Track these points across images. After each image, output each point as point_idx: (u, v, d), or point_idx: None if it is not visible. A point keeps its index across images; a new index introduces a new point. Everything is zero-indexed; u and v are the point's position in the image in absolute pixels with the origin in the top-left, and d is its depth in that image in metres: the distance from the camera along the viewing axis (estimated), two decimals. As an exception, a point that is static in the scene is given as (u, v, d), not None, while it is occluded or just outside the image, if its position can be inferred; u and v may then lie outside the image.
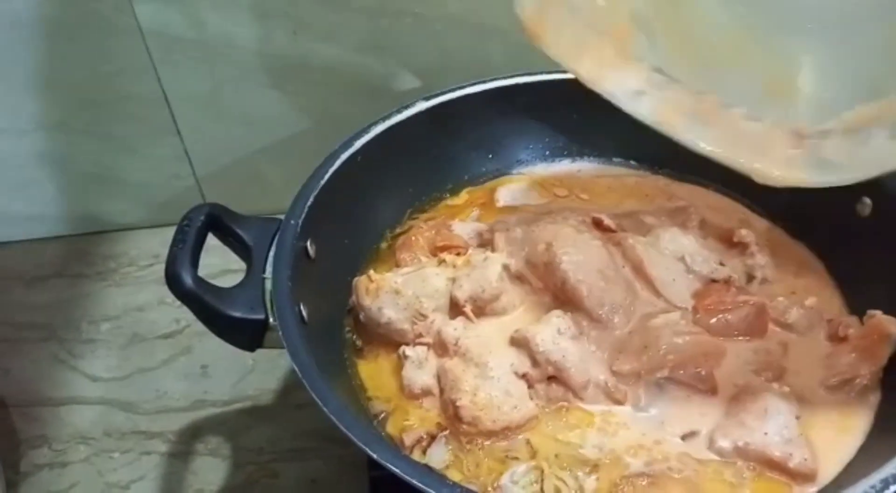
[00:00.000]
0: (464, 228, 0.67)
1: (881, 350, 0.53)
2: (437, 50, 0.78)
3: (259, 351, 0.58)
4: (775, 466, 0.49)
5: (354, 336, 0.61)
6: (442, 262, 0.62)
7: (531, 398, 0.54)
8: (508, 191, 0.73)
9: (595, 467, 0.50)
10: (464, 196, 0.73)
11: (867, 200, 0.60)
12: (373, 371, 0.59)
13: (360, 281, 0.59)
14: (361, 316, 0.59)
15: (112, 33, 0.73)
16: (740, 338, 0.56)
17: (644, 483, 0.48)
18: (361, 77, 0.79)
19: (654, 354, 0.53)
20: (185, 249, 0.53)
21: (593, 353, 0.54)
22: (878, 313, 0.55)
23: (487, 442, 0.53)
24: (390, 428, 0.54)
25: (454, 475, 0.51)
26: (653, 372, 0.53)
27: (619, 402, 0.53)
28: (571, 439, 0.52)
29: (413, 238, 0.66)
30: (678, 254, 0.59)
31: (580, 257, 0.56)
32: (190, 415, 0.73)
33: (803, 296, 0.60)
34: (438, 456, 0.52)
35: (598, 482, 0.49)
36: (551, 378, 0.54)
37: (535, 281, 0.58)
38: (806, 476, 0.49)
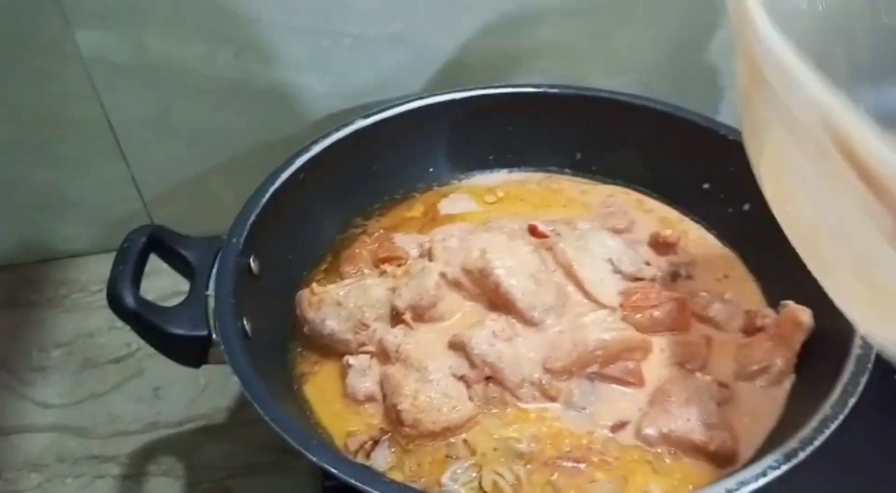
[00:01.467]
0: (405, 240, 0.69)
1: (794, 337, 0.57)
2: (377, 69, 0.80)
3: (211, 371, 0.59)
4: (698, 449, 0.52)
5: (300, 349, 0.62)
6: (383, 273, 0.64)
7: (470, 399, 0.56)
8: (450, 202, 0.76)
9: (530, 459, 0.53)
10: (419, 207, 0.76)
11: (780, 198, 0.64)
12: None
13: (303, 294, 0.61)
14: (305, 329, 0.61)
15: (53, 59, 0.74)
16: (666, 333, 0.60)
17: (572, 470, 0.51)
18: (304, 96, 0.81)
19: (583, 350, 0.56)
20: (127, 269, 0.54)
21: (527, 353, 0.57)
22: (791, 302, 0.58)
23: (430, 443, 0.55)
24: (335, 433, 0.56)
25: (397, 477, 0.53)
26: (584, 368, 0.56)
27: (553, 398, 0.56)
28: (509, 434, 0.55)
29: (357, 251, 0.68)
30: (606, 256, 0.62)
31: (512, 262, 0.59)
32: (143, 437, 0.73)
33: (724, 291, 0.63)
34: (381, 459, 0.54)
35: (531, 473, 0.51)
36: (488, 379, 0.56)
37: (472, 287, 0.60)
38: (727, 458, 0.52)
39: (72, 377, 0.79)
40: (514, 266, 0.59)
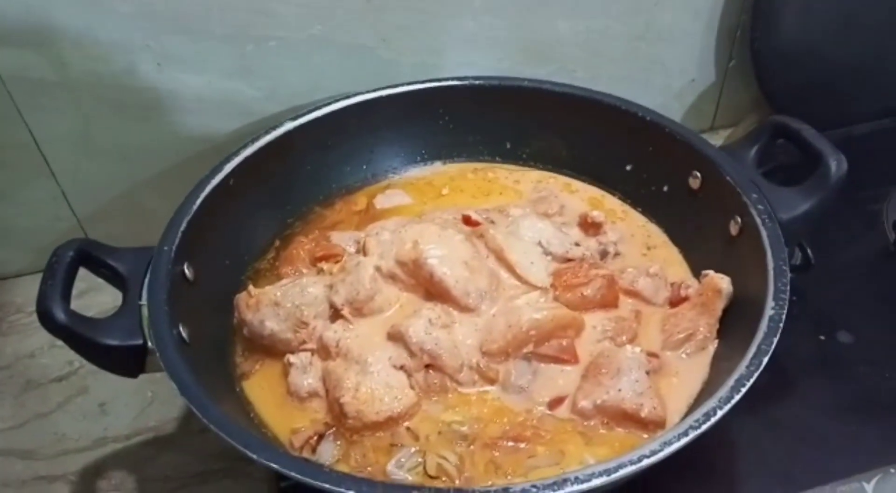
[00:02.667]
0: (341, 238, 0.70)
1: (715, 304, 0.60)
2: (305, 70, 0.80)
3: (158, 382, 0.59)
4: (629, 417, 0.54)
5: (241, 351, 0.63)
6: (321, 271, 0.65)
7: (411, 387, 0.57)
8: (385, 197, 0.77)
9: (473, 440, 0.54)
10: (355, 204, 0.76)
11: (697, 174, 0.67)
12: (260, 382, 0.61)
13: (241, 297, 0.62)
14: (245, 331, 0.61)
15: (-29, 83, 0.73)
16: (596, 309, 0.62)
17: (512, 447, 0.53)
18: (234, 102, 0.81)
19: (517, 331, 0.58)
20: (55, 284, 0.53)
21: (464, 338, 0.58)
22: (711, 272, 0.61)
23: (375, 433, 0.56)
24: (280, 432, 0.56)
25: (343, 469, 0.53)
26: (519, 348, 0.58)
27: (491, 380, 0.58)
28: (451, 418, 0.56)
29: (294, 252, 0.69)
30: (536, 239, 0.64)
31: (444, 251, 0.60)
32: (91, 454, 0.72)
33: (651, 265, 0.66)
34: (327, 453, 0.55)
35: (474, 454, 0.53)
36: (428, 366, 0.58)
37: (407, 278, 0.61)
38: (656, 423, 0.54)
39: (14, 400, 0.77)
40: (447, 255, 0.60)
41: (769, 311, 0.53)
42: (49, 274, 0.54)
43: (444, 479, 0.53)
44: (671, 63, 0.92)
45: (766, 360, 0.49)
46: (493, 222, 0.69)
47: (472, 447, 0.54)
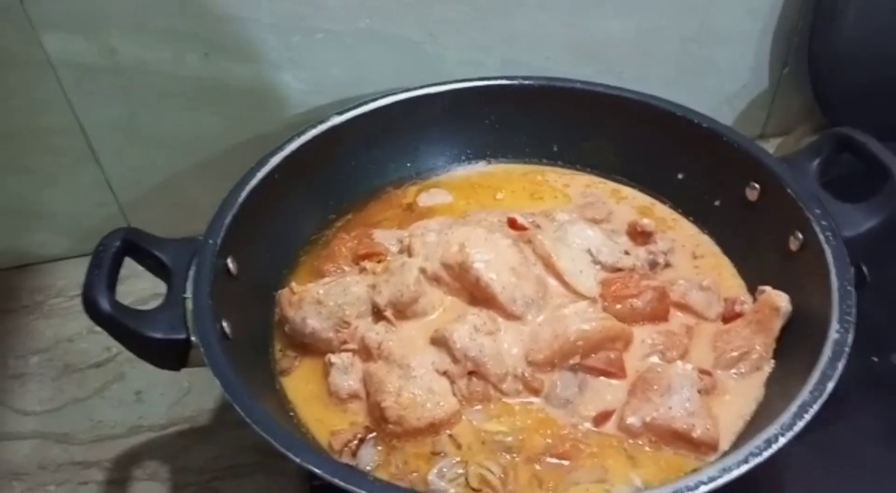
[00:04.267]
0: (384, 236, 0.69)
1: (772, 323, 0.57)
2: (351, 63, 0.79)
3: (195, 373, 0.58)
4: (680, 437, 0.52)
5: (282, 348, 0.62)
6: (363, 270, 0.64)
7: (454, 394, 0.56)
8: (429, 196, 0.76)
9: (518, 451, 0.53)
10: (398, 202, 0.75)
11: (756, 185, 0.65)
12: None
13: (283, 294, 0.61)
14: (287, 328, 0.61)
15: (19, 66, 0.73)
16: (646, 322, 0.60)
17: (556, 463, 0.51)
18: (279, 94, 0.80)
19: (564, 341, 0.56)
20: (101, 274, 0.53)
21: (510, 347, 0.57)
22: (768, 288, 0.59)
23: (415, 440, 0.55)
24: (318, 433, 0.55)
25: (382, 475, 0.52)
26: (566, 359, 0.57)
27: (536, 391, 0.56)
28: (494, 428, 0.55)
29: (336, 249, 0.68)
30: (584, 246, 0.63)
31: (491, 255, 0.59)
32: (127, 441, 0.72)
33: (703, 277, 0.64)
34: (368, 457, 0.54)
35: (517, 467, 0.52)
36: (471, 373, 0.56)
37: (452, 282, 0.60)
38: (709, 445, 0.52)
39: (52, 383, 0.78)
40: (494, 260, 0.59)
41: (833, 334, 0.50)
42: (95, 263, 0.54)
43: (486, 492, 0.51)
44: (724, 66, 0.90)
45: (831, 386, 0.47)
46: (538, 227, 0.67)
47: (516, 458, 0.53)
